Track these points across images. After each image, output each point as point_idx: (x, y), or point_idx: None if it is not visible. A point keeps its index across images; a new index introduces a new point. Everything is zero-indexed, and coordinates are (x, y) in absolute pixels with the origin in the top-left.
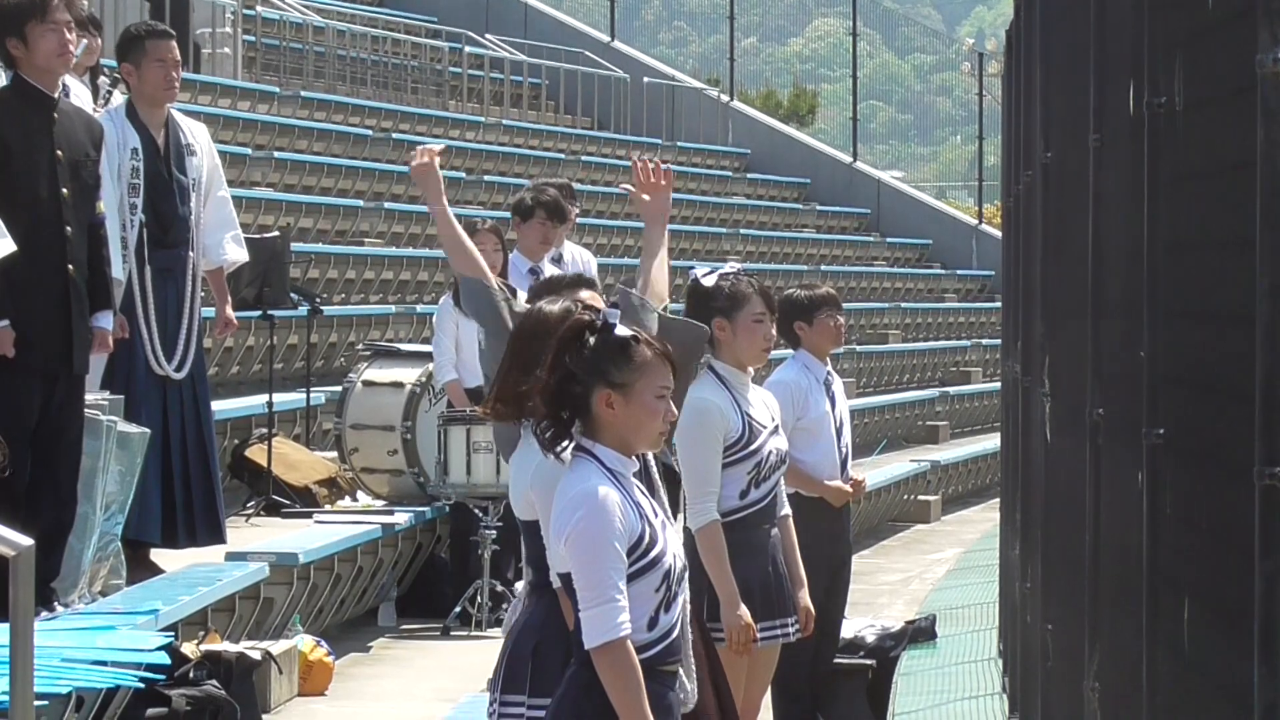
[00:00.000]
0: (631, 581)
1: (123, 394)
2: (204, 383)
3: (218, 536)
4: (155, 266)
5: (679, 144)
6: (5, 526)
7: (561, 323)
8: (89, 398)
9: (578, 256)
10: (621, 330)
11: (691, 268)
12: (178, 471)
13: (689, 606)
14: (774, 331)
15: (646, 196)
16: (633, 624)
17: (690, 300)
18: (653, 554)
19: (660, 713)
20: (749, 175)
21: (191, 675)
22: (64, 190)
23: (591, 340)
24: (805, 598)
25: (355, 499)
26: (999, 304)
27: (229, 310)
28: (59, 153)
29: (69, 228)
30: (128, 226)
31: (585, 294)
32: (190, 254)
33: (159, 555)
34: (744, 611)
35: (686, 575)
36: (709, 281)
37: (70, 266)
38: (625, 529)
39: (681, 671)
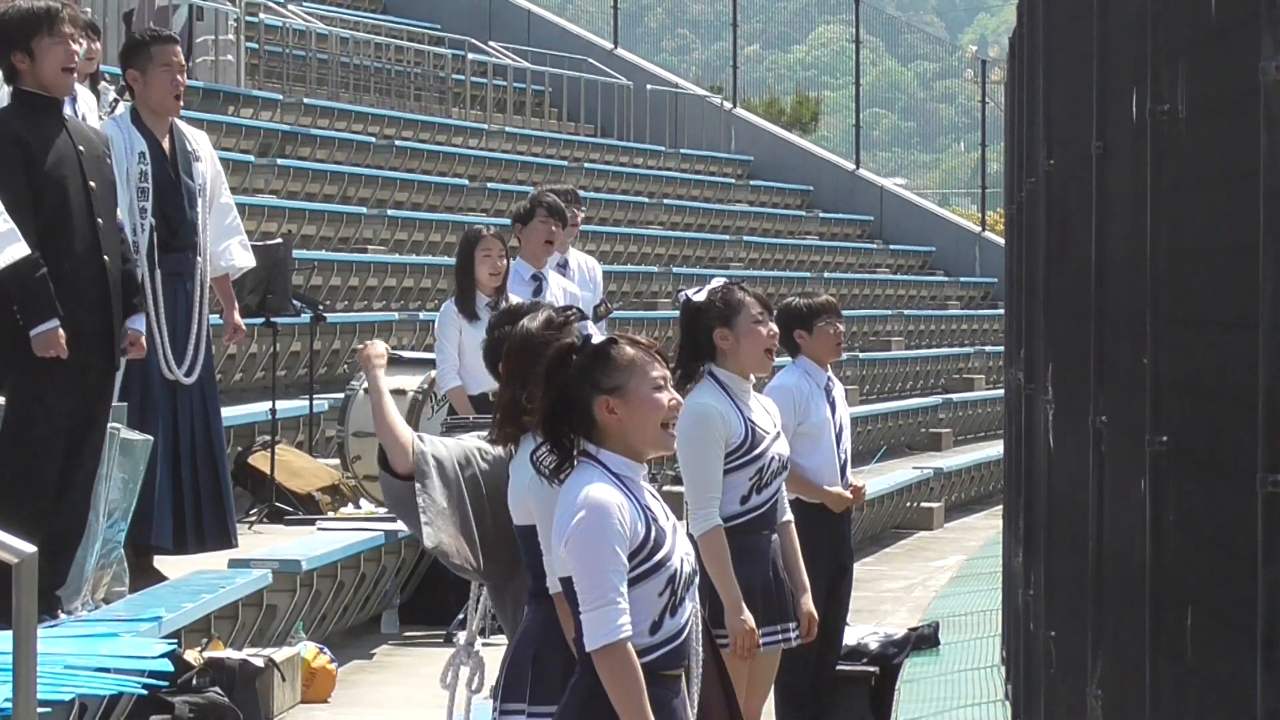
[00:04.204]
0: (634, 585)
1: (138, 400)
2: (213, 387)
3: (227, 541)
4: (165, 271)
5: (682, 151)
6: (8, 533)
7: (545, 332)
8: None
9: (583, 264)
10: (598, 338)
11: (694, 274)
12: (187, 477)
13: (699, 613)
14: (776, 331)
15: None
16: (635, 627)
17: (684, 319)
18: (657, 557)
19: (664, 718)
20: (751, 182)
21: (194, 682)
22: (91, 184)
23: (575, 358)
24: (808, 603)
25: (358, 506)
26: (1002, 311)
27: (237, 316)
28: (80, 148)
29: (100, 219)
30: (138, 230)
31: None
32: (198, 258)
33: (162, 562)
34: (748, 616)
35: (696, 581)
36: (700, 297)
37: (105, 257)
38: (627, 531)
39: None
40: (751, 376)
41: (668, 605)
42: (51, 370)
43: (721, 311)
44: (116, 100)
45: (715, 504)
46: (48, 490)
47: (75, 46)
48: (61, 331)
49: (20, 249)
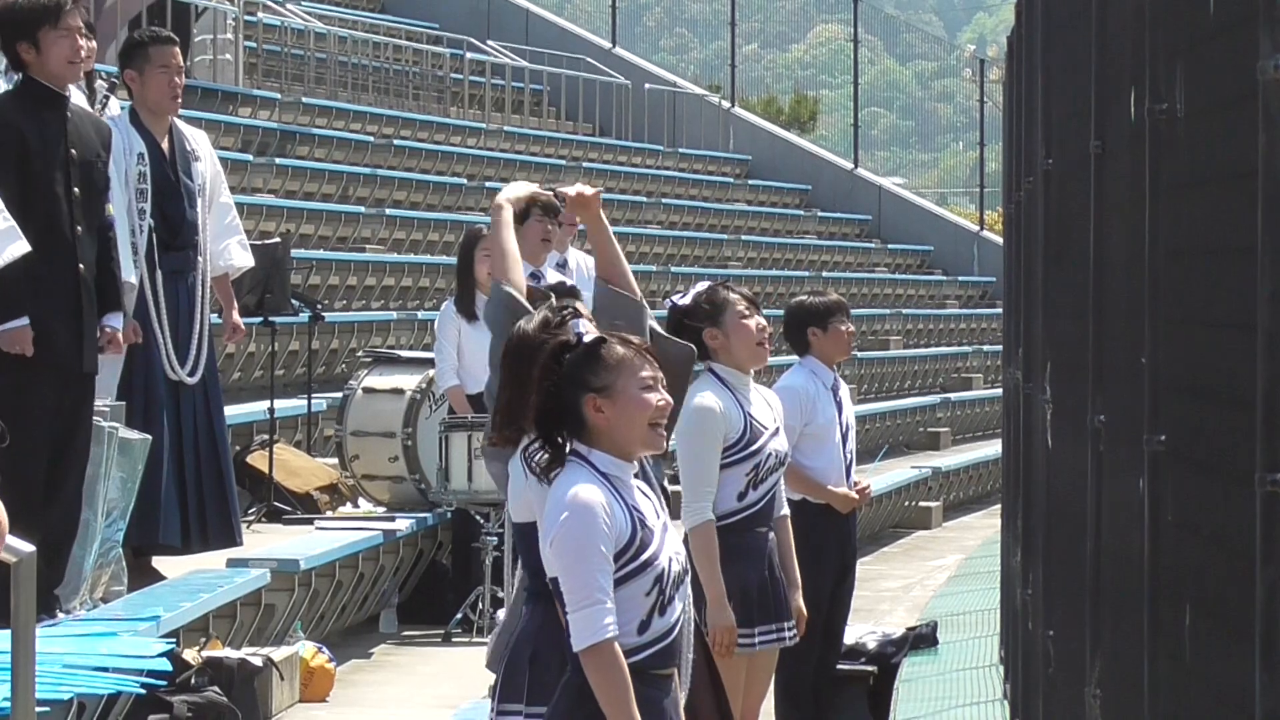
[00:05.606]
0: (620, 585)
1: (142, 400)
2: (216, 386)
3: (231, 540)
4: (165, 270)
5: (680, 150)
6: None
7: (542, 332)
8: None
9: (583, 263)
10: (590, 336)
11: (692, 274)
12: (191, 476)
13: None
14: (766, 324)
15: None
16: (622, 627)
17: (672, 322)
18: (643, 557)
19: (652, 717)
20: (750, 181)
21: (193, 681)
22: (76, 190)
23: (568, 357)
24: (798, 599)
25: (356, 505)
26: (1000, 310)
27: (236, 316)
28: (73, 152)
29: (79, 227)
30: (137, 231)
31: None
32: (199, 258)
33: (160, 562)
34: (729, 613)
35: (687, 579)
36: (686, 300)
37: (80, 265)
38: (612, 531)
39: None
40: (751, 370)
41: (656, 605)
42: (32, 372)
43: (708, 312)
44: (107, 97)
45: (709, 499)
46: (36, 492)
47: (81, 41)
48: (30, 330)
49: (21, 246)
